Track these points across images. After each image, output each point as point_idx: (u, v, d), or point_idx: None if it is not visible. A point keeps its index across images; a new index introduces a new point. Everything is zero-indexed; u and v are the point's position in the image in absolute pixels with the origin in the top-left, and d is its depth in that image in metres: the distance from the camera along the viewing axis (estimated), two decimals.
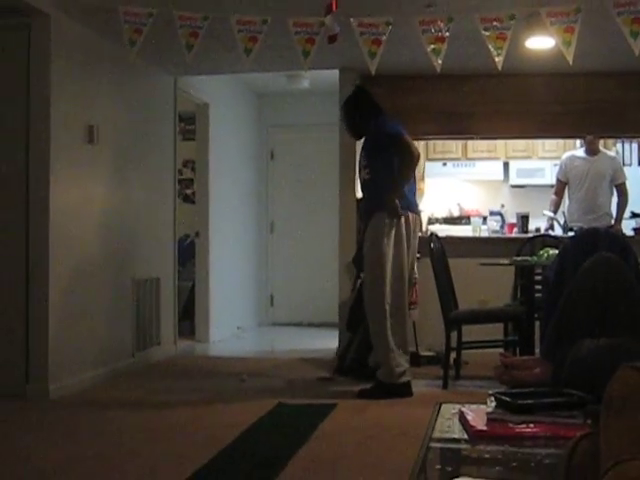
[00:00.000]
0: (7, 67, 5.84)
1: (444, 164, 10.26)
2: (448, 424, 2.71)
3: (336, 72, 7.77)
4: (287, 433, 4.65)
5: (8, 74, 5.84)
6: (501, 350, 6.38)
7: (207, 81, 8.59)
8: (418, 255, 6.28)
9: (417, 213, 6.12)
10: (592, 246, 4.29)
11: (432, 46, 5.40)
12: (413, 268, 6.10)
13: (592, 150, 8.12)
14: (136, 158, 7.14)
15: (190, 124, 9.55)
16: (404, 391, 5.80)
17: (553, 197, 8.35)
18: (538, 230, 8.53)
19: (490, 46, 5.33)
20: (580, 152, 8.31)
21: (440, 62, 5.39)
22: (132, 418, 5.13)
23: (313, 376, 6.55)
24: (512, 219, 9.19)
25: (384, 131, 5.89)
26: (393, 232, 5.78)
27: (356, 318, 6.80)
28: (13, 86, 5.81)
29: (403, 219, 5.82)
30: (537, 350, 5.86)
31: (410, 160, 5.84)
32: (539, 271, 6.52)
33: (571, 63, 5.25)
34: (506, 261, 6.67)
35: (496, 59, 5.32)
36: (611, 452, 1.24)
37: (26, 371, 5.75)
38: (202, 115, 8.86)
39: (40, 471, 3.92)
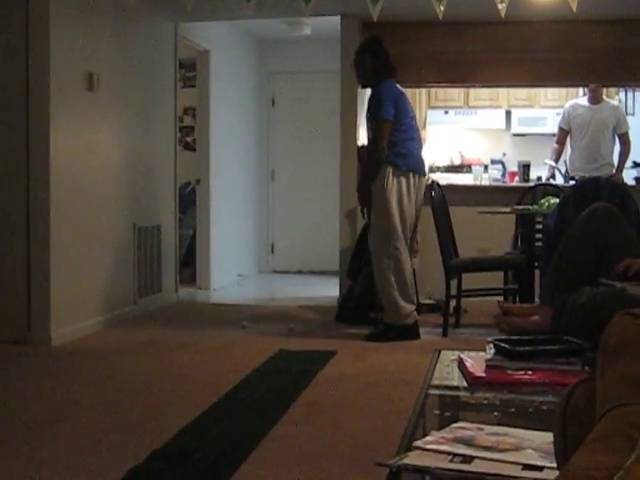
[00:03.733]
0: (5, 15, 5.78)
1: (446, 112, 10.20)
2: (447, 371, 2.74)
3: (338, 19, 7.69)
4: (287, 379, 4.69)
5: (6, 22, 5.78)
6: (500, 298, 6.43)
7: (208, 27, 8.52)
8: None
9: (423, 174, 6.16)
10: (593, 195, 4.30)
11: None
12: (415, 231, 6.16)
13: (595, 99, 8.07)
14: (136, 105, 7.10)
15: (191, 71, 9.49)
16: (412, 333, 5.88)
17: (555, 146, 8.33)
18: (539, 179, 8.52)
19: None
20: (583, 100, 8.26)
21: (442, 9, 5.34)
22: (134, 364, 5.17)
23: (314, 323, 6.58)
24: (513, 168, 9.17)
25: (386, 96, 5.93)
26: (397, 187, 5.86)
27: (357, 265, 6.83)
28: (12, 34, 5.76)
29: (408, 178, 5.91)
30: (537, 298, 5.90)
31: (373, 151, 6.01)
32: (540, 220, 6.53)
33: (575, 10, 5.21)
34: (507, 210, 6.68)
35: (499, 6, 5.28)
36: (607, 397, 1.26)
37: (28, 318, 5.78)
38: (203, 62, 8.80)
39: (41, 416, 3.96)
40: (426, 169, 6.44)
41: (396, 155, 5.92)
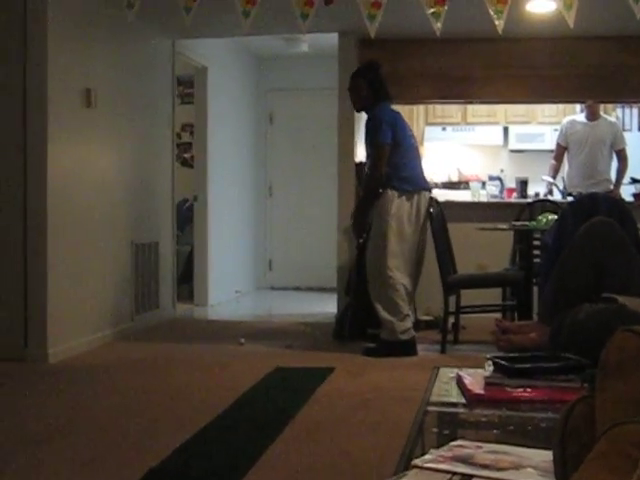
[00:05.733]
0: (3, 29, 5.78)
1: (443, 129, 10.22)
2: (446, 388, 2.73)
3: (335, 36, 7.71)
4: (285, 397, 4.66)
5: (4, 37, 5.78)
6: (499, 315, 6.42)
7: (205, 44, 8.53)
8: None
9: (428, 190, 6.17)
10: (591, 211, 4.30)
11: (432, 9, 5.35)
12: (424, 249, 6.16)
13: (592, 115, 8.09)
14: (134, 122, 7.10)
15: (188, 87, 9.51)
16: (408, 349, 5.87)
17: (552, 162, 8.33)
18: (537, 195, 8.52)
19: (490, 9, 5.28)
20: (580, 117, 8.28)
21: (440, 26, 5.34)
22: (131, 381, 5.14)
23: (311, 340, 6.56)
24: (511, 184, 9.18)
25: (382, 120, 5.97)
26: (400, 212, 5.89)
27: (355, 282, 6.81)
28: (9, 49, 5.77)
29: (412, 201, 5.93)
30: (535, 315, 5.89)
31: (371, 177, 6.04)
32: (538, 236, 6.52)
33: (572, 26, 5.22)
34: (505, 226, 6.67)
35: (496, 22, 5.28)
36: (607, 415, 1.24)
37: (25, 335, 5.75)
38: (200, 78, 8.82)
39: (39, 433, 3.93)
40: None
41: (400, 180, 5.94)
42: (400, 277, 5.92)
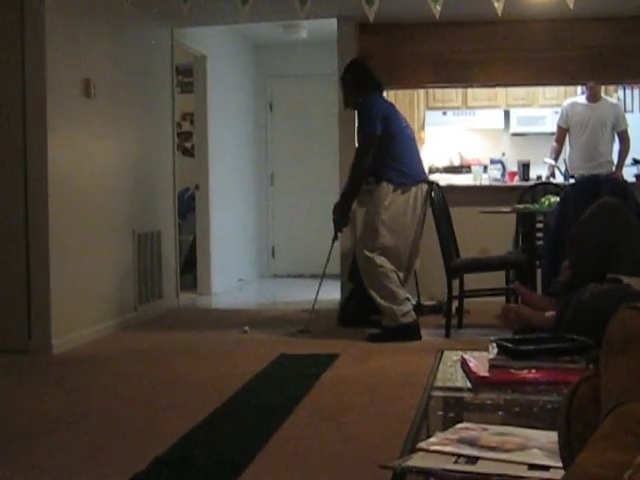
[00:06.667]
0: (1, 20, 5.76)
1: (444, 113, 10.19)
2: (450, 371, 2.71)
3: (334, 21, 7.68)
4: (290, 383, 4.67)
5: (2, 29, 5.76)
6: (502, 299, 6.41)
7: (204, 32, 8.50)
8: None
9: (425, 181, 6.17)
10: (593, 193, 4.29)
11: None
12: (419, 238, 6.17)
13: (593, 97, 8.05)
14: (134, 111, 7.09)
15: (188, 76, 9.48)
16: (412, 333, 5.88)
17: (554, 144, 8.31)
18: (539, 178, 8.50)
19: None
20: (581, 99, 8.24)
21: (439, 9, 5.33)
22: (135, 371, 5.15)
23: (315, 327, 6.55)
24: (513, 167, 9.16)
25: (371, 111, 5.98)
26: (395, 205, 5.88)
27: (358, 269, 6.81)
28: (7, 41, 5.75)
29: (409, 193, 5.92)
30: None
31: (355, 169, 6.02)
32: (540, 219, 6.51)
33: (572, 8, 5.20)
34: (507, 209, 6.66)
35: (495, 4, 5.27)
36: (611, 394, 1.24)
37: (29, 326, 5.76)
38: (200, 67, 8.80)
39: (44, 424, 3.94)
40: (426, 171, 6.47)
41: (397, 173, 5.94)
42: (389, 266, 5.93)
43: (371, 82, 6.15)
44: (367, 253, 5.95)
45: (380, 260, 5.91)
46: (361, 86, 6.11)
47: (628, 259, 3.20)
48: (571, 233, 3.47)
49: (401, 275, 6.03)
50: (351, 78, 6.17)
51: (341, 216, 6.23)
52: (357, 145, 6.08)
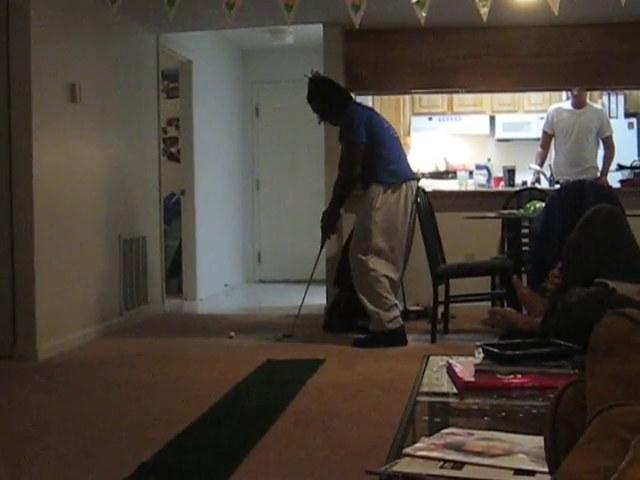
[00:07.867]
0: None
1: (430, 118, 10.22)
2: (436, 376, 2.72)
3: (320, 27, 7.69)
4: (276, 389, 4.66)
5: None
6: (488, 304, 6.42)
7: (190, 38, 8.49)
8: None
9: (414, 179, 6.18)
10: (578, 198, 4.31)
11: None
12: (412, 238, 6.19)
13: (579, 103, 8.08)
14: (120, 117, 7.07)
15: (173, 82, 9.46)
16: (398, 338, 5.89)
17: (539, 150, 8.34)
18: (525, 183, 8.53)
19: None
20: (567, 104, 8.27)
21: (425, 15, 5.33)
22: (121, 377, 5.13)
23: (300, 332, 6.54)
24: (498, 173, 9.19)
25: (354, 119, 6.00)
26: (386, 206, 5.90)
27: (344, 273, 6.80)
28: None
29: (400, 191, 5.92)
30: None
31: (342, 180, 6.04)
32: (526, 224, 6.53)
33: (557, 14, 5.21)
34: (493, 214, 6.67)
35: (481, 11, 5.27)
36: (597, 399, 1.24)
37: (13, 332, 5.73)
38: (185, 72, 8.78)
39: (29, 429, 3.92)
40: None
41: (385, 173, 5.96)
42: (382, 270, 5.94)
43: (341, 93, 6.21)
44: (360, 256, 5.95)
45: (373, 264, 5.90)
46: (335, 101, 6.15)
47: (621, 266, 3.22)
48: (568, 239, 3.48)
49: (397, 276, 6.03)
50: (321, 99, 6.21)
51: (329, 223, 6.24)
52: (341, 156, 6.06)
